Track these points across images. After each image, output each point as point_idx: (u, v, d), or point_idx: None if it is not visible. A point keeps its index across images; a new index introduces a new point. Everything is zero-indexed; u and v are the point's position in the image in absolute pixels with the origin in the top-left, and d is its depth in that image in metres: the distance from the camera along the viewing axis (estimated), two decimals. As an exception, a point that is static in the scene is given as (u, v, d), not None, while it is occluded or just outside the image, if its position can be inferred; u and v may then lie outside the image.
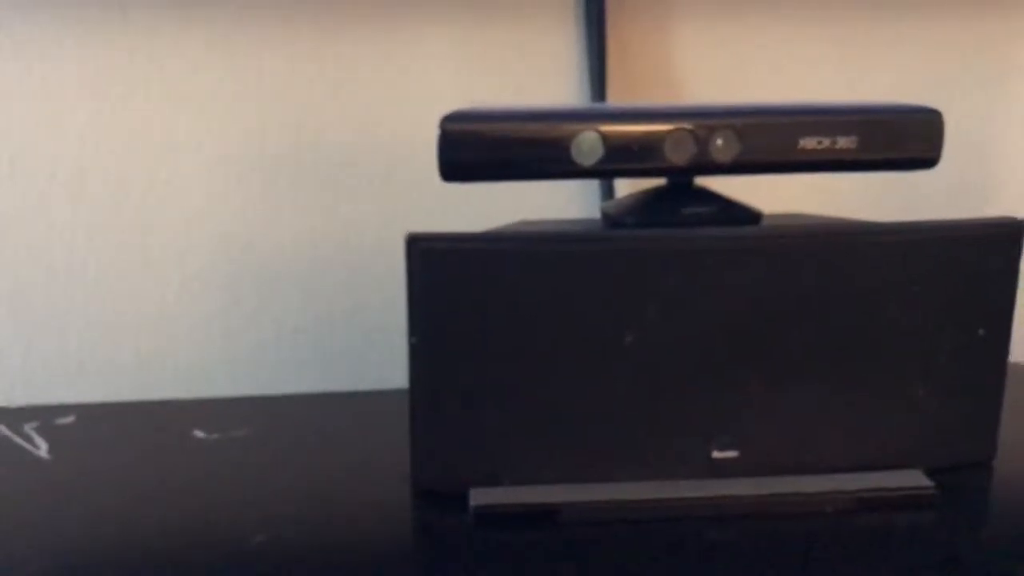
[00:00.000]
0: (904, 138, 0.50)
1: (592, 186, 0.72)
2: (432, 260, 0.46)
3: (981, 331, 0.49)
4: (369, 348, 0.72)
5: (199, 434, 0.58)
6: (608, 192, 0.70)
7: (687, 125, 0.48)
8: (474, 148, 0.47)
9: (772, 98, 0.72)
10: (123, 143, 0.69)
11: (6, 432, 0.58)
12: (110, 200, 0.70)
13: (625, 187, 0.68)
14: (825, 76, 0.74)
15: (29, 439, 0.57)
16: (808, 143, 0.49)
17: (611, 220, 0.52)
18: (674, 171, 0.49)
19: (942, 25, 0.74)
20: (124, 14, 0.67)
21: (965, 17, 0.74)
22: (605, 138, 0.48)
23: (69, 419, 0.60)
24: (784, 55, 0.74)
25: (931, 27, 0.74)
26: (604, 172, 0.49)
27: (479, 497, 0.47)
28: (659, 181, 0.52)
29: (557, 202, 0.71)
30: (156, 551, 0.44)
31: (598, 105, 0.67)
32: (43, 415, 0.61)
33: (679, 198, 0.51)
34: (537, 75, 0.72)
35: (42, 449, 0.56)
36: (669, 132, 0.48)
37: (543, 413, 0.47)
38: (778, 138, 0.49)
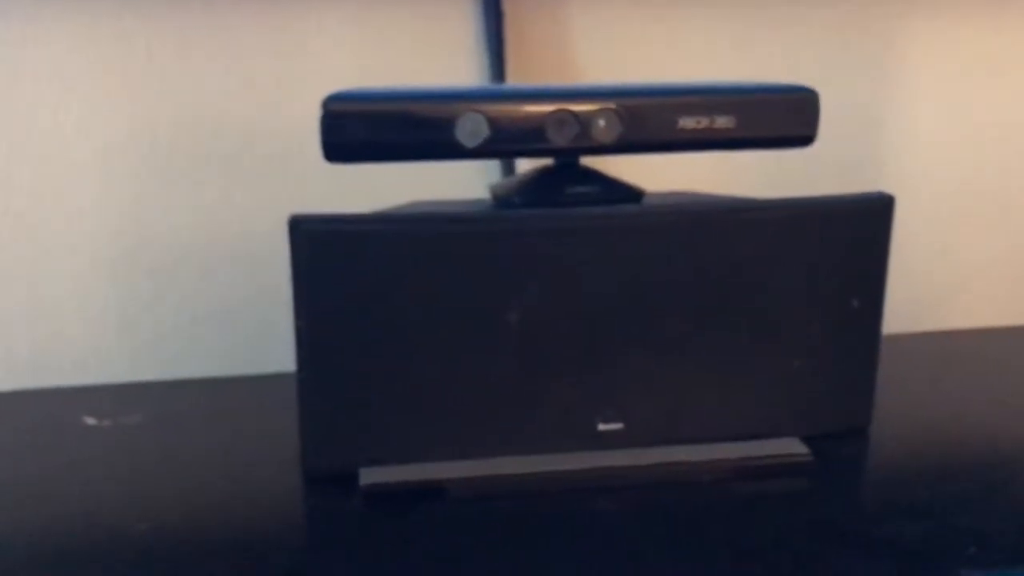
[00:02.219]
0: (781, 117, 0.52)
1: (492, 166, 0.72)
2: (316, 242, 0.46)
3: (855, 303, 0.51)
4: (267, 334, 0.72)
5: (90, 421, 0.57)
6: (509, 172, 0.71)
7: (569, 106, 0.49)
8: (357, 128, 0.48)
9: (666, 78, 0.74)
10: (9, 131, 0.68)
11: None
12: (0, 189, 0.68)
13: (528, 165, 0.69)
14: (718, 56, 0.76)
15: (-87, 431, 0.56)
16: (687, 123, 0.50)
17: (499, 200, 0.53)
18: (557, 152, 0.50)
19: (830, 6, 0.76)
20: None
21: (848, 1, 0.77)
22: (489, 119, 0.48)
23: (-43, 409, 0.59)
24: (679, 35, 0.75)
25: (819, 7, 0.76)
26: (488, 153, 0.49)
27: (368, 476, 0.47)
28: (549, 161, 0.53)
29: (454, 182, 0.72)
30: (36, 539, 0.44)
31: (482, 87, 0.68)
32: (-70, 405, 0.59)
33: (564, 178, 0.52)
34: (435, 58, 0.72)
35: (-73, 440, 0.55)
36: (551, 113, 0.49)
37: (430, 392, 0.48)
38: (658, 118, 0.50)
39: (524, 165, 0.69)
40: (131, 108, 0.69)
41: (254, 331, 0.72)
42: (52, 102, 0.68)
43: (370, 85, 0.64)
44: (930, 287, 0.83)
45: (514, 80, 0.72)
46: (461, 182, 0.73)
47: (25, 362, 0.71)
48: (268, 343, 0.72)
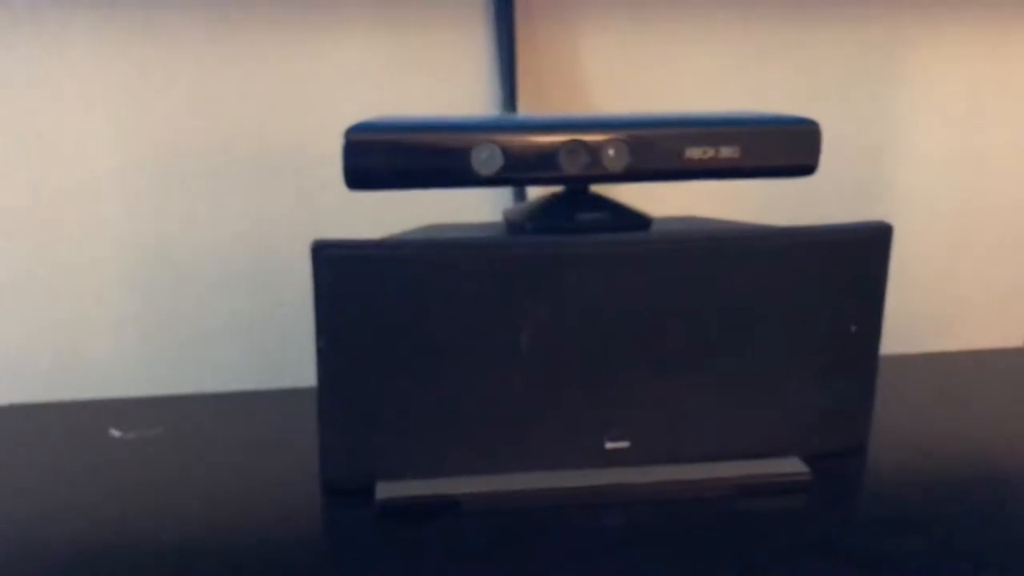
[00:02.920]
0: (784, 148, 0.54)
1: (504, 189, 0.74)
2: (337, 266, 0.48)
3: (853, 327, 0.53)
4: (282, 348, 0.74)
5: (115, 433, 0.59)
6: (521, 196, 0.73)
7: (580, 137, 0.51)
8: (378, 158, 0.50)
9: (674, 102, 0.76)
10: (35, 147, 0.70)
11: (-79, 435, 0.59)
12: (22, 203, 0.70)
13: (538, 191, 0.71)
14: (724, 80, 0.78)
15: (-56, 441, 0.58)
16: (694, 153, 0.52)
17: (512, 225, 0.55)
18: (569, 180, 0.52)
19: (831, 33, 0.78)
20: (34, 14, 0.68)
21: (853, 25, 0.78)
22: (504, 149, 0.50)
23: (-15, 421, 0.61)
24: (685, 61, 0.77)
25: (821, 34, 0.78)
26: (503, 181, 0.51)
27: (384, 491, 0.49)
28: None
29: (466, 203, 0.74)
30: (65, 549, 0.46)
31: (497, 117, 0.70)
32: (-41, 417, 0.61)
33: (575, 204, 0.54)
34: (448, 82, 0.74)
35: (-43, 451, 0.57)
36: (563, 144, 0.51)
37: (445, 410, 0.50)
38: (666, 148, 0.52)
39: (536, 190, 0.71)
40: (153, 126, 0.71)
41: (272, 345, 0.74)
42: (76, 120, 0.70)
43: (384, 108, 0.66)
44: (930, 308, 0.85)
45: (525, 101, 0.74)
46: (473, 203, 0.75)
47: (47, 374, 0.73)
48: (284, 357, 0.74)
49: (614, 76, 0.76)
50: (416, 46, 0.73)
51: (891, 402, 0.57)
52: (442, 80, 0.74)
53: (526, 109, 0.74)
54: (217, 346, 0.74)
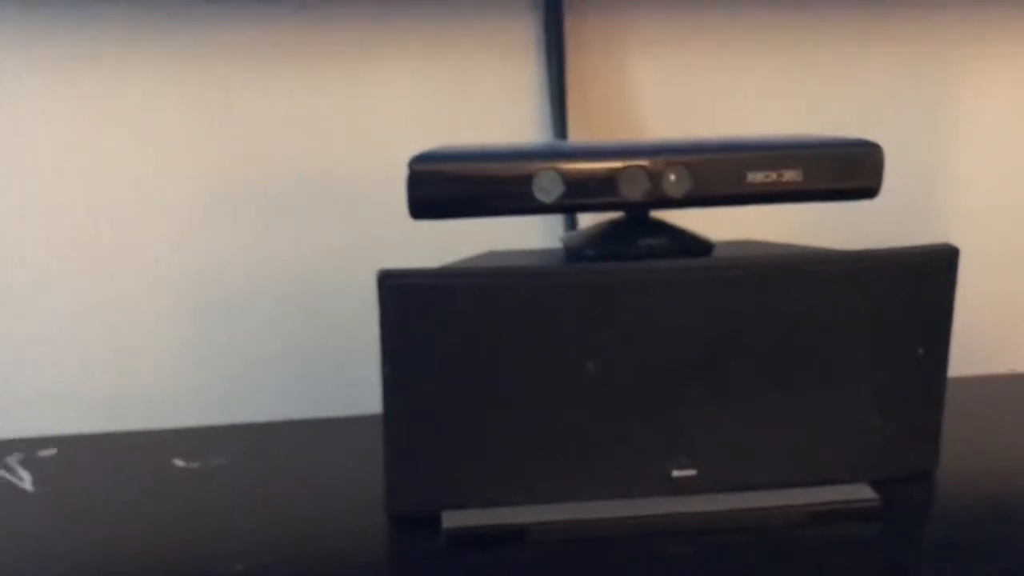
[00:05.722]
0: (846, 171, 0.53)
1: (553, 216, 0.74)
2: (403, 295, 0.48)
3: (920, 350, 0.53)
4: (336, 375, 0.74)
5: (179, 463, 0.60)
6: (571, 223, 0.73)
7: (641, 162, 0.51)
8: (441, 187, 0.50)
9: (724, 127, 0.75)
10: (93, 178, 0.71)
11: (-11, 465, 0.60)
12: (81, 235, 0.71)
13: (588, 216, 0.71)
14: (774, 104, 0.77)
15: (13, 471, 0.59)
16: (756, 177, 0.52)
17: (571, 252, 0.55)
18: (629, 206, 0.52)
19: (882, 52, 0.78)
20: (94, 51, 0.69)
21: (903, 44, 0.78)
22: (564, 176, 0.50)
23: (51, 451, 0.62)
24: (734, 85, 0.77)
25: (871, 54, 0.78)
26: (563, 208, 0.51)
27: (451, 520, 0.49)
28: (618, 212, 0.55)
29: (517, 230, 0.74)
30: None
31: (557, 144, 0.70)
32: (25, 447, 0.62)
33: (635, 230, 0.54)
34: (498, 110, 0.74)
35: (26, 481, 0.57)
36: (624, 169, 0.51)
37: (511, 438, 0.50)
38: (727, 173, 0.51)
39: (588, 215, 0.71)
40: (207, 157, 0.72)
41: (326, 373, 0.75)
42: (132, 152, 0.71)
43: (434, 137, 0.67)
44: (994, 330, 0.84)
45: (574, 128, 0.74)
46: (523, 229, 0.75)
47: (105, 403, 0.74)
48: (338, 385, 0.75)
49: (662, 102, 0.76)
50: (466, 75, 0.73)
51: (958, 424, 0.57)
52: (492, 108, 0.74)
53: (575, 136, 0.74)
54: (271, 374, 0.74)
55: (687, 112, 0.76)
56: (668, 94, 0.76)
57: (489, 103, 0.74)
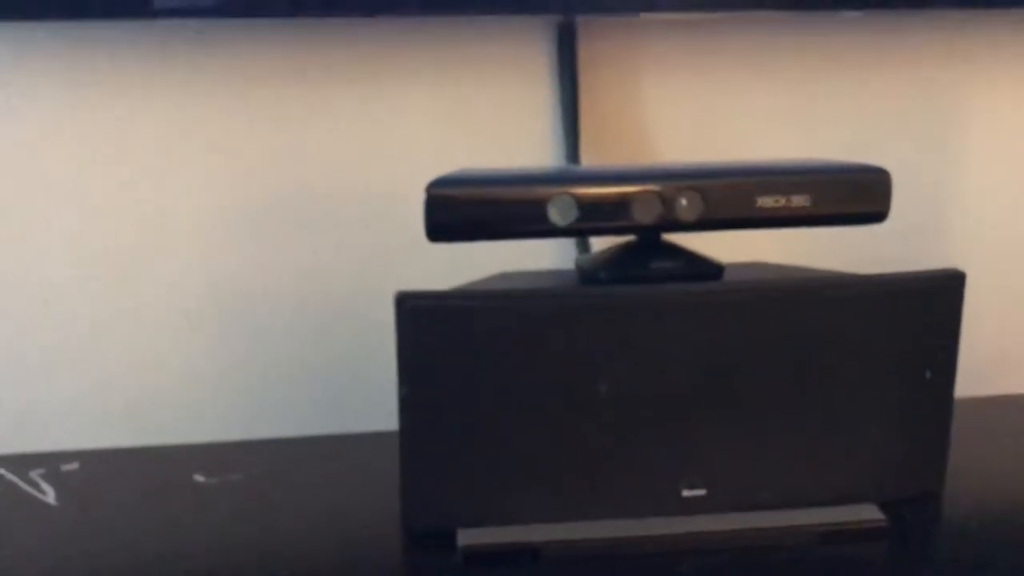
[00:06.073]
0: (854, 196, 0.54)
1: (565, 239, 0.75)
2: (420, 317, 0.49)
3: (928, 373, 0.53)
4: (352, 392, 0.75)
5: (199, 478, 0.61)
6: (583, 243, 0.74)
7: (653, 187, 0.52)
8: (458, 212, 0.51)
9: (734, 149, 0.76)
10: (114, 196, 0.72)
11: (13, 479, 0.61)
12: (102, 253, 0.73)
13: (600, 239, 0.72)
14: (785, 127, 0.78)
15: (36, 485, 0.60)
16: (765, 202, 0.53)
17: (585, 274, 0.56)
18: (642, 229, 0.53)
19: (890, 76, 0.79)
20: (115, 75, 0.70)
21: (912, 67, 0.79)
22: (579, 200, 0.51)
23: (73, 465, 0.63)
24: (745, 109, 0.78)
25: (879, 77, 0.79)
26: (577, 231, 0.52)
27: (466, 537, 0.50)
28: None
29: (528, 252, 0.75)
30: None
31: (571, 168, 0.71)
32: (48, 462, 0.63)
33: (648, 253, 0.55)
34: (513, 130, 0.75)
35: (49, 495, 0.59)
36: (637, 194, 0.52)
37: (525, 457, 0.51)
38: (738, 198, 0.53)
39: (599, 239, 0.72)
40: (230, 176, 0.73)
41: (344, 389, 0.76)
42: (156, 171, 0.72)
43: (448, 159, 0.68)
44: (1001, 351, 0.84)
45: (587, 152, 0.75)
46: (540, 248, 0.76)
47: (123, 418, 0.75)
48: (355, 402, 0.76)
49: (673, 124, 0.77)
50: (481, 98, 0.74)
51: (964, 446, 0.57)
52: (506, 130, 0.75)
53: (588, 158, 0.75)
54: (290, 391, 0.76)
55: (698, 134, 0.77)
56: (679, 116, 0.77)
57: (503, 125, 0.75)
